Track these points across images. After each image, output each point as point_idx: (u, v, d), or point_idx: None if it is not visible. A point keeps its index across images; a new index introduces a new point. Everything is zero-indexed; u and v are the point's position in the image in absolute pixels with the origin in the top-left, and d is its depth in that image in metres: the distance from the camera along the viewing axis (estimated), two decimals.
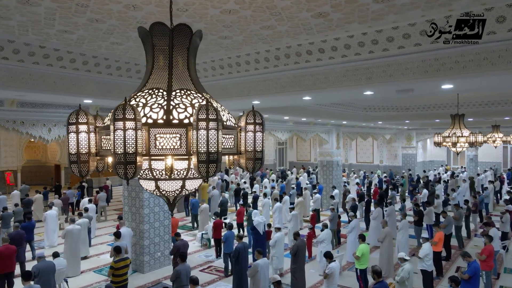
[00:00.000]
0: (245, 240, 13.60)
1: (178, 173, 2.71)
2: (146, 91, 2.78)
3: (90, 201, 15.69)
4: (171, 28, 2.84)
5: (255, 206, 17.26)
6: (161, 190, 2.81)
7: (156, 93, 2.73)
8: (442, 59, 5.81)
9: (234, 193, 20.11)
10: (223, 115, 2.85)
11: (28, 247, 12.13)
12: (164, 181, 2.77)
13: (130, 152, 2.30)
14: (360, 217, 17.26)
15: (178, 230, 15.89)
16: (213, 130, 2.42)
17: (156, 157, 2.51)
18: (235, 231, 14.97)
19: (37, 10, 4.84)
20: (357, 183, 22.35)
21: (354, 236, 11.72)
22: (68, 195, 18.53)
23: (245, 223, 14.98)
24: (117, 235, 9.94)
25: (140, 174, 2.76)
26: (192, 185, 2.89)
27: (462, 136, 12.15)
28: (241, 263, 9.47)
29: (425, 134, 30.42)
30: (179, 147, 2.51)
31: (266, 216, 15.50)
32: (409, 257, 8.48)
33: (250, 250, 11.44)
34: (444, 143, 12.58)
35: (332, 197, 17.19)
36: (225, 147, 2.74)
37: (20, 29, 5.64)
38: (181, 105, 2.64)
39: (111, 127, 2.32)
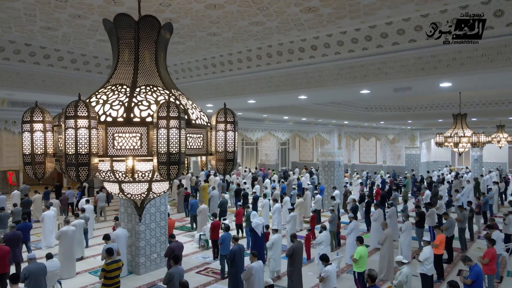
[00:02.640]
0: (244, 241, 13.44)
1: (143, 175, 2.53)
2: (109, 87, 2.61)
3: (87, 201, 15.55)
4: (136, 20, 2.66)
5: (255, 207, 17.06)
6: (125, 193, 2.63)
7: (119, 90, 2.56)
8: (438, 56, 5.59)
9: (234, 194, 19.92)
10: (193, 113, 2.67)
11: (24, 247, 12.03)
12: (128, 184, 2.59)
13: (83, 152, 2.12)
14: (361, 218, 17.05)
15: (178, 231, 15.80)
16: (174, 129, 2.23)
17: (114, 158, 2.32)
18: (234, 232, 14.85)
19: (15, 6, 4.69)
20: (361, 183, 22.07)
21: (353, 238, 11.48)
22: (68, 195, 18.41)
23: (244, 224, 14.78)
24: (107, 237, 9.81)
25: (103, 176, 2.59)
26: (160, 188, 2.71)
27: (464, 136, 11.85)
28: (237, 265, 9.30)
29: (429, 134, 30.04)
30: (139, 147, 2.33)
31: (265, 217, 15.32)
32: (406, 261, 8.25)
33: (249, 251, 11.25)
34: (446, 143, 12.29)
35: (333, 197, 16.96)
36: (192, 147, 2.55)
37: (2, 26, 5.49)
38: (144, 102, 2.46)
39: (62, 125, 2.15)
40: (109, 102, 2.44)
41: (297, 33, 5.93)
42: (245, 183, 22.69)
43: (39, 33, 5.82)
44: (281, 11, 4.91)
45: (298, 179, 24.16)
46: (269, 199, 16.84)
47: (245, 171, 29.10)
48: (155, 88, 2.62)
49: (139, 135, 2.32)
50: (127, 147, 2.31)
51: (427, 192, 18.71)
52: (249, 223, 12.72)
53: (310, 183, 22.48)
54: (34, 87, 7.12)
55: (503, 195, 21.75)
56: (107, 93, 2.53)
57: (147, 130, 2.33)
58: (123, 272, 10.82)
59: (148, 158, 2.36)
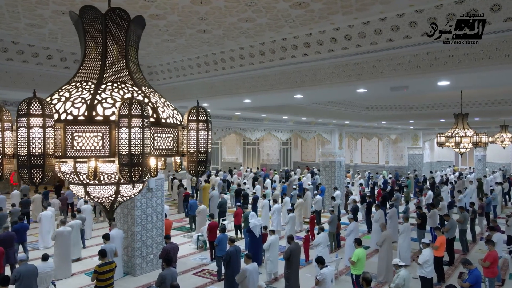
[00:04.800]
0: (243, 242, 13.29)
1: (109, 177, 2.38)
2: (74, 83, 2.46)
3: (86, 202, 15.44)
4: (103, 13, 2.51)
5: (255, 208, 16.88)
6: (92, 197, 2.48)
7: (84, 86, 2.41)
8: (435, 53, 5.41)
9: (234, 194, 19.76)
10: (163, 112, 2.51)
11: (21, 248, 11.96)
12: (94, 187, 2.44)
13: (36, 153, 1.98)
14: (361, 219, 16.85)
15: (177, 231, 15.68)
16: (136, 128, 2.08)
17: (70, 159, 2.17)
18: (232, 233, 14.69)
19: None
20: (361, 184, 21.85)
21: (352, 240, 11.30)
22: (67, 196, 18.31)
23: (242, 225, 14.62)
24: (106, 237, 9.68)
25: (67, 178, 2.44)
26: (129, 190, 2.56)
27: (465, 136, 11.62)
28: (233, 267, 9.15)
29: (432, 134, 29.74)
30: (101, 147, 2.17)
31: (265, 218, 15.15)
32: (403, 263, 8.06)
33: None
34: (447, 143, 12.06)
35: (333, 198, 16.77)
36: (161, 147, 2.39)
37: None
38: (109, 100, 2.31)
39: (15, 124, 2.00)
40: (71, 99, 2.29)
41: (289, 30, 5.77)
42: (245, 183, 22.51)
43: (25, 31, 5.70)
44: (270, 6, 4.75)
45: (299, 179, 23.96)
46: (269, 200, 16.66)
47: (247, 171, 28.95)
48: (123, 85, 2.47)
49: (100, 134, 2.17)
50: (88, 147, 2.16)
51: (429, 192, 18.46)
52: (247, 224, 12.58)
53: (311, 184, 22.29)
54: (24, 86, 7.00)
55: (507, 196, 21.44)
56: (71, 90, 2.39)
57: (110, 129, 2.18)
58: (119, 274, 10.71)
59: (111, 159, 2.21)
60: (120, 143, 2.08)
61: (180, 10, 4.85)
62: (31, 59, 6.62)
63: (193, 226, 15.88)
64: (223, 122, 15.52)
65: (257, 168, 30.22)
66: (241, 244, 13.07)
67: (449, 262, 11.70)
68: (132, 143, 2.07)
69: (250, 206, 16.50)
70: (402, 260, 11.29)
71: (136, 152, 2.08)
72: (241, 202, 17.53)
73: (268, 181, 22.76)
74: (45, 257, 8.95)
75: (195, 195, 21.72)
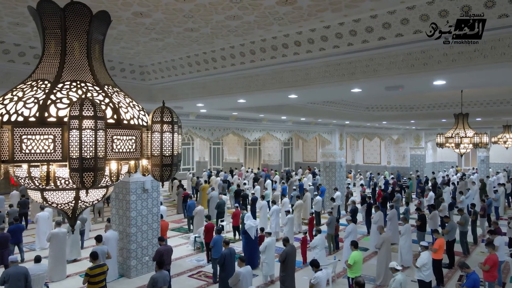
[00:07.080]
0: (240, 244, 13.14)
1: (66, 182, 2.24)
2: (30, 82, 2.32)
3: None
4: (62, 7, 2.37)
5: (253, 208, 16.73)
6: (50, 203, 2.34)
7: (39, 85, 2.26)
8: (428, 51, 5.23)
9: (234, 195, 19.61)
10: (126, 112, 2.36)
11: (17, 249, 11.90)
12: (52, 192, 2.29)
13: None
14: (361, 221, 16.64)
15: (175, 232, 15.56)
16: (88, 130, 1.94)
17: (19, 164, 2.03)
18: (231, 234, 14.57)
19: None
20: (361, 185, 21.64)
21: (350, 242, 11.11)
22: None
23: (240, 226, 14.46)
24: (98, 239, 9.56)
25: (22, 183, 2.30)
26: (91, 196, 2.40)
27: (465, 137, 11.40)
28: (227, 269, 9.03)
29: (434, 134, 29.30)
30: (53, 151, 2.03)
31: (263, 219, 15.00)
32: (400, 267, 7.88)
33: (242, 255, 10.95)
34: (447, 144, 11.84)
35: (333, 199, 16.58)
36: (121, 150, 2.25)
37: None
38: (64, 100, 2.16)
39: None
40: (24, 99, 2.15)
41: (278, 28, 5.61)
42: (244, 184, 22.35)
43: (9, 30, 5.58)
44: (256, 3, 4.59)
45: (300, 180, 23.77)
46: (268, 201, 16.49)
47: (247, 171, 28.79)
48: (82, 84, 2.33)
49: (52, 137, 2.02)
50: (38, 151, 2.01)
51: (431, 193, 18.23)
52: (244, 225, 12.43)
53: (311, 184, 22.10)
54: (12, 86, 6.86)
55: (510, 197, 21.14)
56: (25, 89, 2.24)
57: (62, 131, 2.03)
58: (114, 276, 10.61)
59: (64, 163, 2.07)
60: (70, 146, 1.93)
61: (164, 8, 4.71)
62: (17, 59, 6.51)
63: (191, 227, 15.75)
64: (220, 122, 15.37)
65: (258, 169, 30.06)
66: (239, 246, 12.93)
67: (449, 264, 11.49)
68: (83, 146, 1.92)
69: (249, 207, 16.35)
70: (403, 262, 11.15)
71: (88, 156, 1.93)
72: (240, 203, 17.38)
73: (268, 181, 22.57)
74: (37, 259, 8.86)
75: (195, 195, 21.59)
